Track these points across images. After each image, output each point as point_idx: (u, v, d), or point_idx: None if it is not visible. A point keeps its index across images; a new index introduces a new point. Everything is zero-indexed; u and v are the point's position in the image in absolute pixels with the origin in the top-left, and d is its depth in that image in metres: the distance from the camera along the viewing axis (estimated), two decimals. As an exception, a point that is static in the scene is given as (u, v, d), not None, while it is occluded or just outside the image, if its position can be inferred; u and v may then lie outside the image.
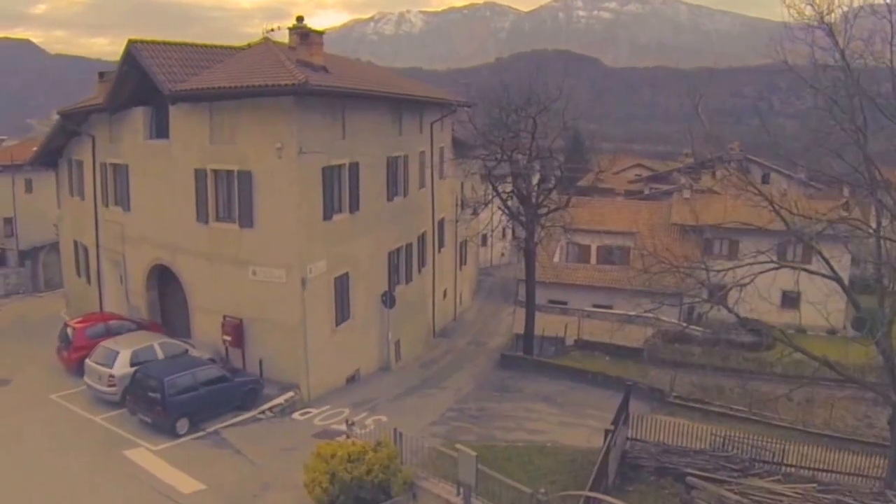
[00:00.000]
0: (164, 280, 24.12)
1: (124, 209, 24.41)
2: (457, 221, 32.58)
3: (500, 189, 27.10)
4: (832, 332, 37.40)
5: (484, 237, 42.72)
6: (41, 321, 29.53)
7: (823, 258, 17.06)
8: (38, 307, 33.03)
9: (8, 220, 41.45)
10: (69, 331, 22.61)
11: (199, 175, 21.70)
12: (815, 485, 17.58)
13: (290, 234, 20.73)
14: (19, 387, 21.89)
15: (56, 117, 26.89)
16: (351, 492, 13.58)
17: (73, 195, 28.27)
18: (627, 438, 19.72)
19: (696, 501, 17.08)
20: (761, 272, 17.06)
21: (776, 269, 17.51)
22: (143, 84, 22.34)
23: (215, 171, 21.48)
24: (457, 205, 33.03)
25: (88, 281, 27.43)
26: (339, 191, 22.42)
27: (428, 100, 28.13)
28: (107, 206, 25.36)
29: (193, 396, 18.67)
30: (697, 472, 17.98)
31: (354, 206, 23.13)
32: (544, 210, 25.98)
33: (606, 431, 17.18)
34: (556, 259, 38.43)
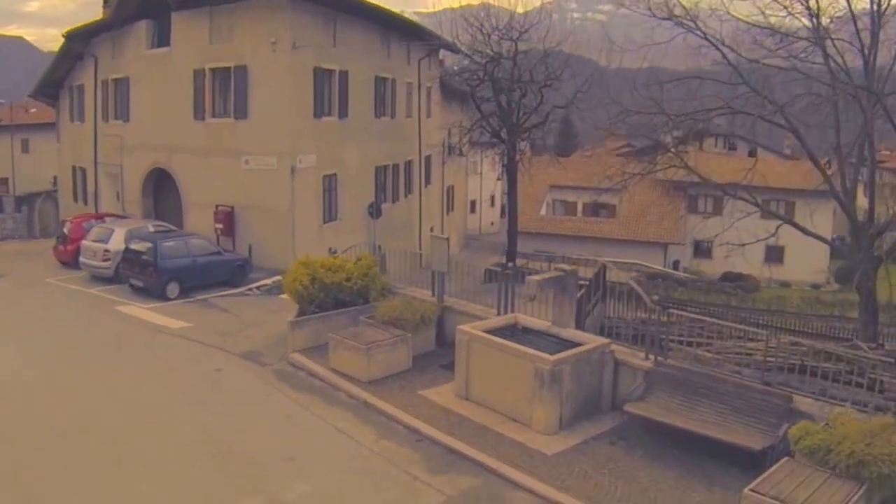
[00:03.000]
0: (159, 187, 25.08)
1: (124, 121, 25.47)
2: (444, 164, 33.63)
3: (482, 108, 28.12)
4: (816, 286, 38.33)
5: (472, 203, 43.82)
6: (35, 252, 30.19)
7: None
8: (33, 247, 33.59)
9: (4, 181, 41.98)
10: (66, 226, 23.36)
11: (198, 75, 22.84)
12: (789, 339, 18.22)
13: (282, 123, 21.83)
14: (16, 277, 22.46)
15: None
16: (331, 293, 14.32)
17: (73, 121, 29.29)
18: (605, 316, 20.39)
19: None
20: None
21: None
22: (146, -1, 23.67)
23: (213, 70, 22.64)
24: (444, 148, 34.07)
25: (85, 202, 28.29)
26: (328, 94, 23.54)
27: (414, 27, 29.19)
28: (106, 121, 26.38)
29: (184, 263, 19.44)
30: (674, 338, 18.63)
31: (343, 113, 24.21)
32: (526, 128, 27.02)
33: (580, 286, 17.90)
34: (542, 213, 39.39)
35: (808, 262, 37.67)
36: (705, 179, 18.30)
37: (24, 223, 35.87)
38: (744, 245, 17.85)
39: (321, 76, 22.90)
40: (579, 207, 40.01)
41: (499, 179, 44.81)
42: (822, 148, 19.06)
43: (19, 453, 9.85)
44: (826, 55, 15.92)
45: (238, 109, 22.11)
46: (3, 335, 15.46)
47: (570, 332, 11.82)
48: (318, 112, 22.87)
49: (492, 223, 50.62)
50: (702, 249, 39.48)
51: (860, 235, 17.47)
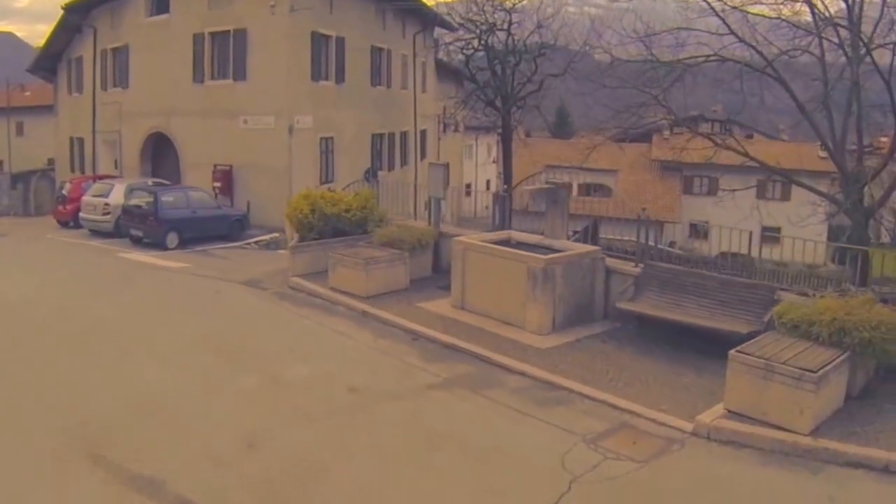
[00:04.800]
0: (157, 151, 25.43)
1: (123, 88, 25.79)
2: (439, 140, 34.07)
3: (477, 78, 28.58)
4: (813, 267, 38.58)
5: (468, 186, 44.11)
6: (32, 223, 30.48)
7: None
8: (30, 222, 33.84)
9: (-2, 164, 42.00)
10: (66, 187, 23.61)
11: (197, 39, 23.23)
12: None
13: (280, 84, 22.22)
14: (17, 236, 22.74)
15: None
16: (330, 223, 14.61)
17: (71, 93, 29.59)
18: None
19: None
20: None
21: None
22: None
23: (212, 34, 23.05)
24: (438, 124, 34.49)
25: (83, 171, 28.54)
26: (326, 58, 23.95)
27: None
28: (105, 90, 26.70)
29: (184, 215, 19.73)
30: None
31: (340, 78, 24.60)
32: (521, 96, 27.48)
33: (574, 231, 18.26)
34: (535, 194, 39.67)
35: (804, 243, 37.81)
36: (693, 131, 18.71)
37: (19, 200, 35.96)
38: (734, 191, 18.23)
39: (318, 40, 23.31)
40: (574, 189, 40.29)
41: (494, 162, 45.21)
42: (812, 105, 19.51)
43: (27, 351, 10.06)
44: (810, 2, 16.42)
45: (237, 71, 22.51)
46: (8, 273, 15.74)
47: (563, 243, 12.15)
48: (316, 75, 23.27)
49: (486, 207, 50.65)
50: (697, 231, 39.80)
51: (850, 184, 17.91)
